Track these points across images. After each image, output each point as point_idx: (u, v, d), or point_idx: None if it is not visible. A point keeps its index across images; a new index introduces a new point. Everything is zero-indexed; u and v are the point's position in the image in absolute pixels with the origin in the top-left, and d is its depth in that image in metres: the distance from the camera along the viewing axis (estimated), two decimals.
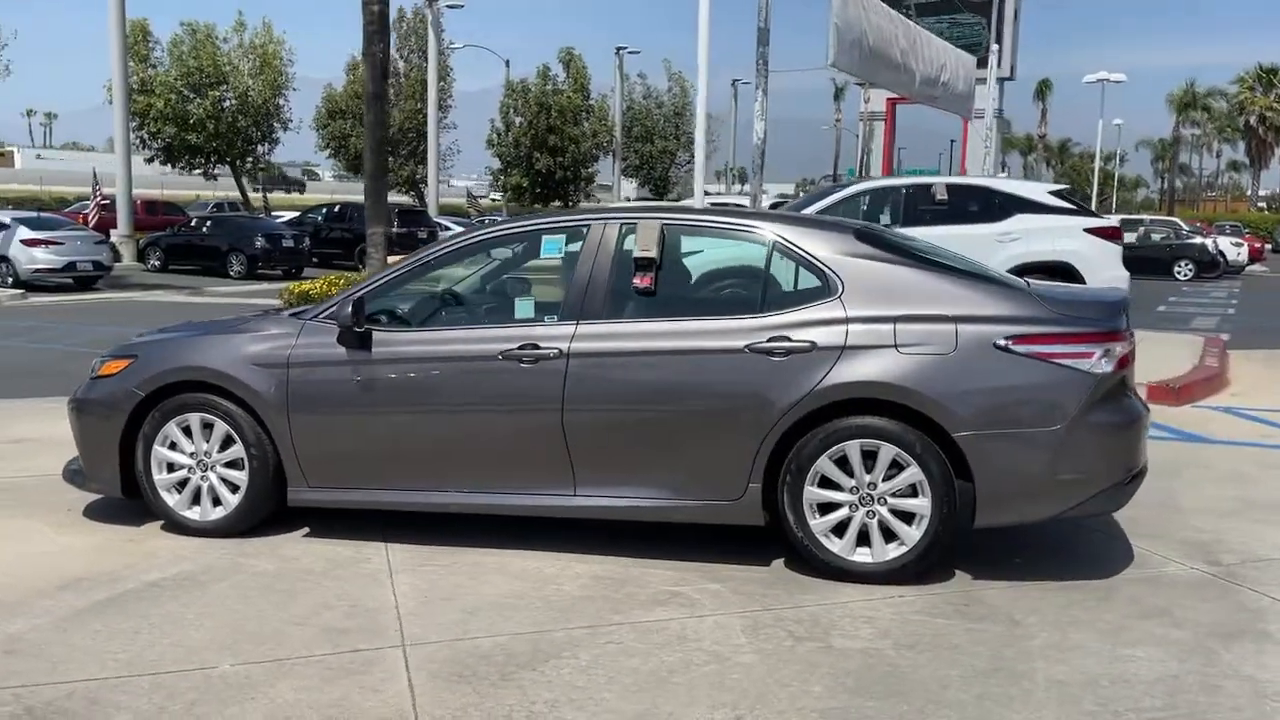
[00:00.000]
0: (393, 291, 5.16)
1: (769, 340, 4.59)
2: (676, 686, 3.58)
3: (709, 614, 4.23)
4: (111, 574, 4.61)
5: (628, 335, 4.77)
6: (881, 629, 4.08)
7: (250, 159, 35.27)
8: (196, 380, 5.12)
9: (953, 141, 45.71)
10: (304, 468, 5.05)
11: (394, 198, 41.17)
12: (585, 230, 4.99)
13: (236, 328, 5.34)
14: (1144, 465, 4.72)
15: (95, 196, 28.16)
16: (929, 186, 11.41)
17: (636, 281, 4.83)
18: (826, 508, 4.59)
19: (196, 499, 5.18)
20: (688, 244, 5.09)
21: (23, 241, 21.33)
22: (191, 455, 5.16)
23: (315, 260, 26.43)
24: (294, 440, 5.02)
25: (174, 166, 35.75)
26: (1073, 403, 4.43)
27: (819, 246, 4.77)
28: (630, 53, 47.08)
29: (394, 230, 24.54)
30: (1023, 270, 10.81)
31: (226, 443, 5.11)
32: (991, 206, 11.16)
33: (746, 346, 4.60)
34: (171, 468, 5.18)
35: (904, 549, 4.53)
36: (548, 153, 45.95)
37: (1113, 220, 13.60)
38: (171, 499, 5.19)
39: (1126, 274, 11.21)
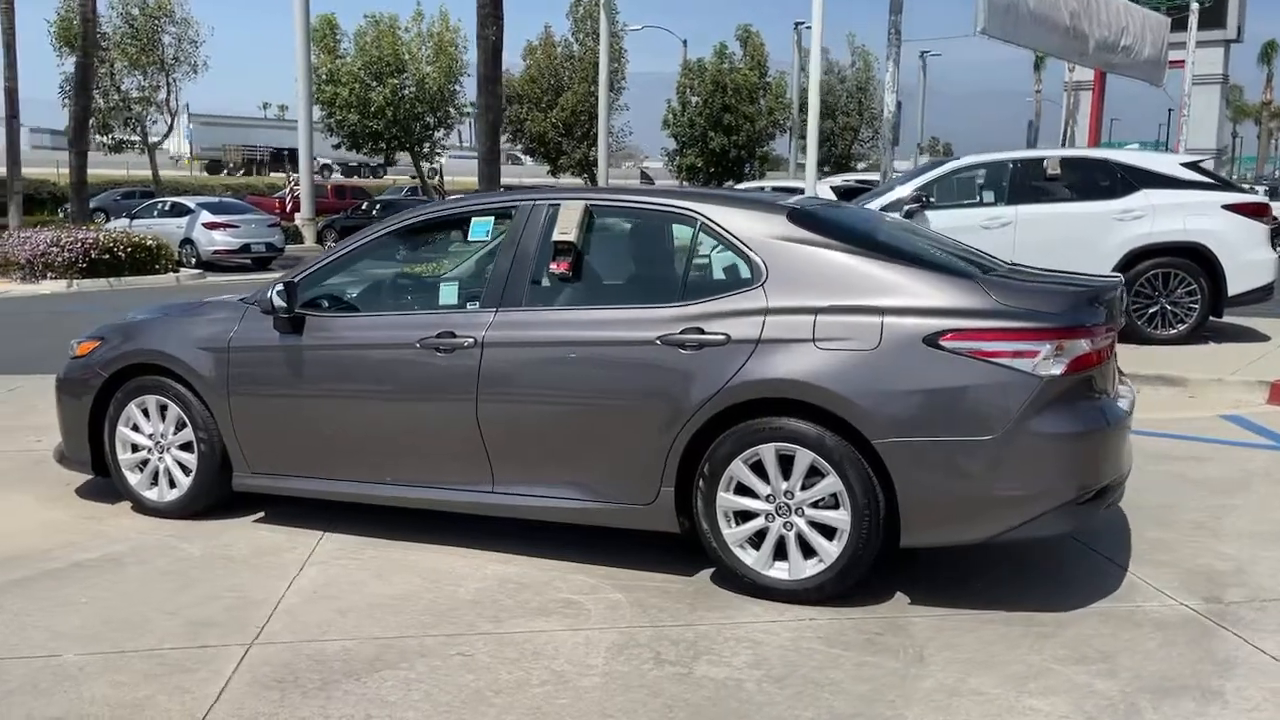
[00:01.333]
0: (330, 276, 5.05)
1: (682, 332, 4.20)
2: (488, 710, 3.30)
3: (588, 628, 3.91)
4: (46, 552, 4.73)
5: (543, 324, 4.49)
6: (760, 657, 3.66)
7: (427, 144, 36.48)
8: (151, 363, 5.19)
9: (1170, 111, 42.29)
10: (245, 453, 5.04)
11: (565, 180, 41.88)
12: (512, 212, 4.73)
13: (192, 312, 5.38)
14: (1111, 482, 4.05)
15: (290, 184, 29.96)
16: (1040, 161, 10.43)
17: (553, 267, 4.54)
18: (743, 516, 4.18)
19: (156, 479, 5.27)
20: (613, 226, 4.74)
21: (204, 225, 22.90)
22: (150, 437, 5.25)
23: None
24: (234, 425, 5.01)
25: (358, 152, 37.50)
26: (1011, 408, 3.84)
27: (745, 229, 4.33)
28: (807, 27, 45.87)
29: None
30: (1146, 253, 9.82)
31: (180, 425, 5.16)
32: (1111, 181, 10.11)
33: (658, 338, 4.23)
34: (135, 448, 5.29)
35: (822, 566, 4.06)
36: (722, 132, 45.49)
37: (1258, 195, 12.07)
38: (134, 478, 5.30)
39: (1274, 256, 9.95)
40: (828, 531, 4.05)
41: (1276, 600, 4.14)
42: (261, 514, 5.25)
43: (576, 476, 4.42)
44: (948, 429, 3.88)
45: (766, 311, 4.14)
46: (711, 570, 4.38)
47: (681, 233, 4.49)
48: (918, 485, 3.92)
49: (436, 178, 39.21)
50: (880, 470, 3.94)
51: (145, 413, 5.23)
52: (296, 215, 29.79)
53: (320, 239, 27.92)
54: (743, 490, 4.15)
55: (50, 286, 18.53)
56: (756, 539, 4.16)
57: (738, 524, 4.18)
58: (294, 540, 4.91)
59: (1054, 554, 4.68)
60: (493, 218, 4.78)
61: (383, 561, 4.62)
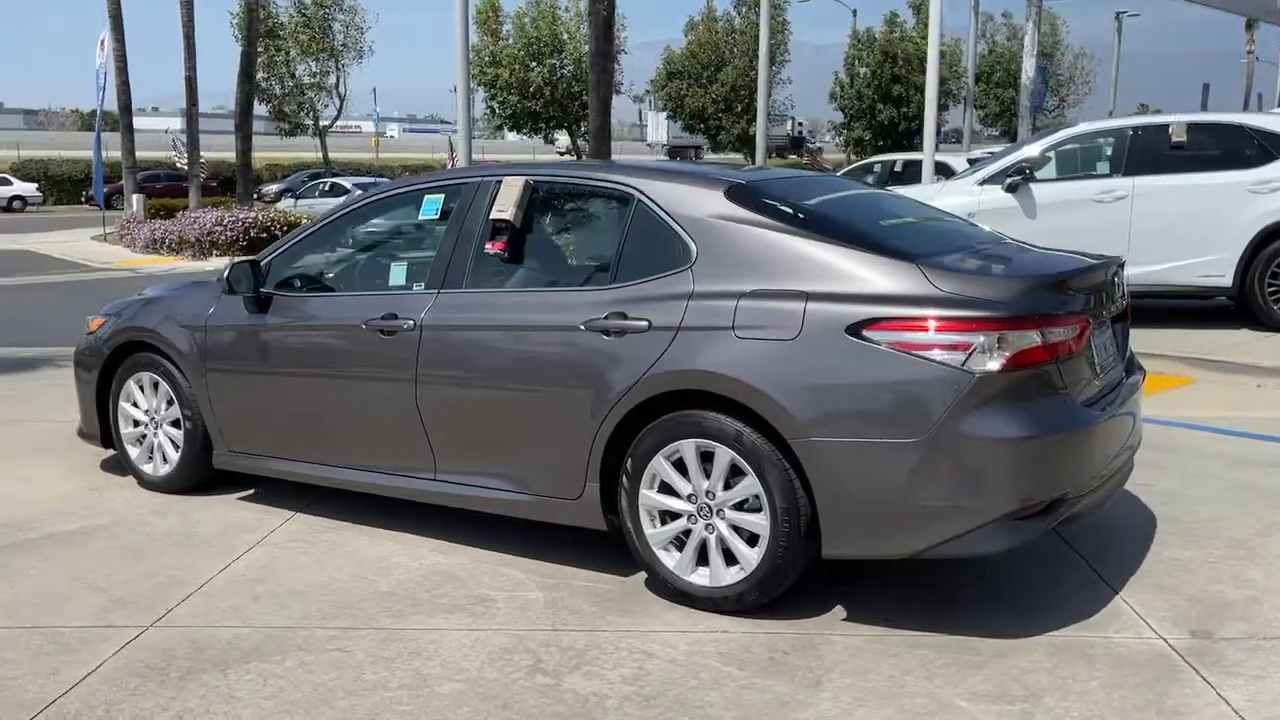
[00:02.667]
0: (300, 256, 5.01)
1: (606, 317, 3.92)
2: (327, 712, 3.14)
3: (486, 629, 3.71)
4: (30, 521, 4.88)
5: (478, 307, 4.30)
6: (642, 672, 3.37)
7: (584, 123, 36.77)
8: (145, 340, 5.30)
9: None
10: (221, 431, 5.08)
11: (728, 156, 41.40)
12: (460, 190, 4.54)
13: (185, 290, 5.46)
14: (1067, 494, 3.52)
15: (451, 160, 30.81)
16: (1164, 127, 9.43)
17: (489, 247, 4.33)
18: (667, 516, 3.88)
19: (152, 454, 5.40)
20: (554, 204, 4.47)
21: None
22: (146, 412, 5.37)
23: None
24: (210, 402, 5.06)
25: (519, 133, 38.22)
26: (937, 408, 3.39)
27: (680, 206, 4.00)
28: None
29: None
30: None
31: (171, 401, 5.26)
32: (1245, 149, 9.04)
33: (583, 323, 3.96)
34: (136, 423, 5.43)
35: (743, 575, 3.72)
36: (891, 103, 44.00)
37: None
38: (134, 452, 5.44)
39: None
40: (751, 537, 3.71)
41: (1278, 640, 3.53)
42: (251, 491, 5.30)
43: (508, 467, 4.22)
44: (869, 429, 3.46)
45: (691, 296, 3.81)
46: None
47: (619, 211, 4.19)
48: (837, 490, 3.52)
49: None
50: (802, 472, 3.57)
51: (142, 388, 5.36)
52: None
53: None
54: (666, 489, 3.85)
55: (216, 263, 19.67)
56: (680, 541, 3.86)
57: (662, 524, 3.88)
58: (262, 520, 4.92)
59: (1043, 570, 4.16)
60: (443, 195, 4.61)
61: (332, 547, 4.56)
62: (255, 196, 26.73)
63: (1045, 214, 9.35)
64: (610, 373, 3.88)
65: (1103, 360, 3.91)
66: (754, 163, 33.22)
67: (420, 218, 4.65)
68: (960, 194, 9.73)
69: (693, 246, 3.89)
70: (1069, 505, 3.53)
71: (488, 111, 35.68)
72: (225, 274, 4.87)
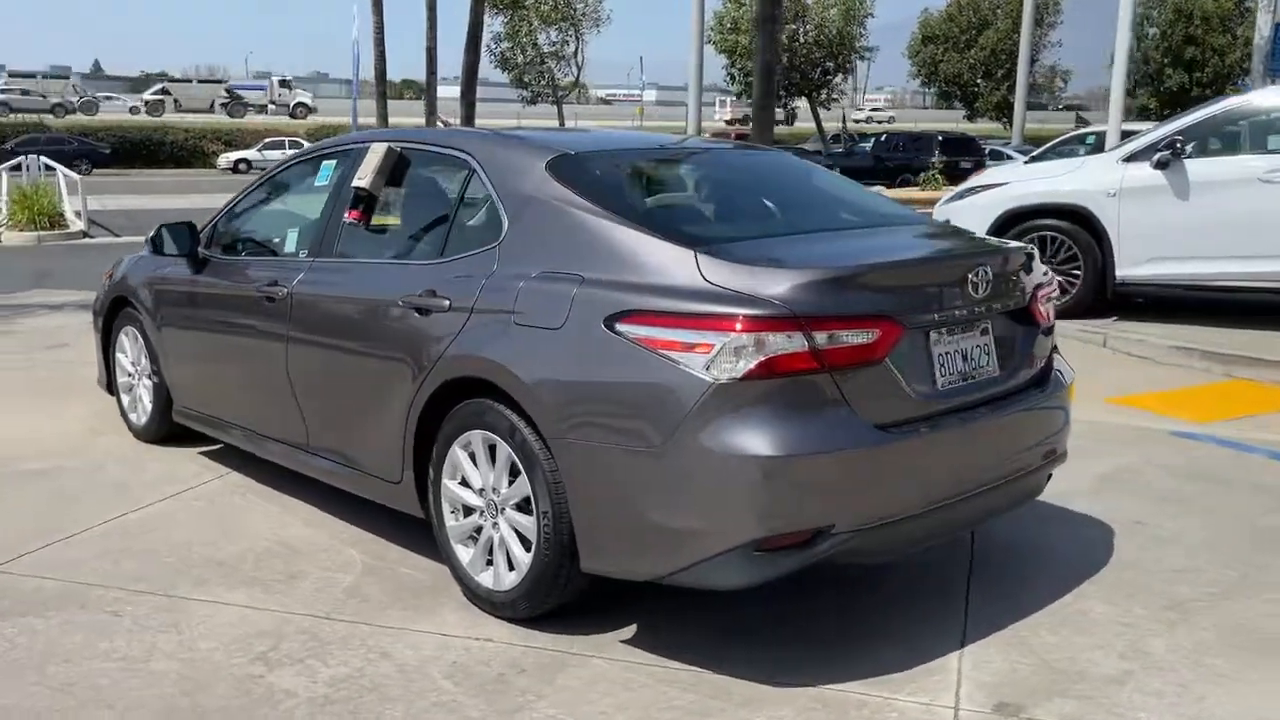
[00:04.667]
0: (236, 218, 5.08)
1: (420, 294, 3.70)
2: (30, 677, 3.14)
3: (263, 607, 3.60)
4: (11, 458, 5.25)
5: (333, 276, 4.19)
6: (355, 673, 3.14)
7: (825, 90, 35.66)
8: (126, 296, 5.58)
9: None
10: (170, 386, 5.27)
11: (981, 126, 38.88)
12: (347, 155, 4.42)
13: None
14: (829, 527, 2.95)
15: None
16: None
17: (347, 215, 4.19)
18: (467, 510, 3.63)
19: (136, 404, 5.70)
20: (410, 172, 4.22)
21: None
22: (132, 363, 5.67)
23: None
24: (161, 358, 5.26)
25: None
26: (675, 415, 2.94)
27: (504, 177, 3.69)
28: None
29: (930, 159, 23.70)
30: None
31: (145, 355, 5.52)
32: None
33: (401, 299, 3.76)
34: (126, 374, 5.74)
35: (517, 580, 3.42)
36: (1182, 68, 39.83)
37: None
38: (125, 400, 5.76)
39: None
40: (526, 542, 3.40)
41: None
42: (217, 447, 5.48)
43: (354, 446, 4.10)
44: (615, 435, 3.06)
45: (489, 276, 3.52)
46: None
47: (458, 180, 3.92)
48: (589, 500, 3.15)
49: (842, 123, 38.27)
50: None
51: (128, 341, 5.66)
52: None
53: None
54: (465, 481, 3.61)
55: None
56: (474, 538, 3.61)
57: (463, 517, 3.65)
58: (198, 474, 5.06)
59: (907, 607, 3.59)
60: (335, 161, 4.51)
61: (229, 509, 4.61)
62: None
63: (1199, 194, 8.08)
64: (418, 354, 3.66)
65: (960, 369, 3.28)
66: (1013, 136, 31.09)
67: (316, 183, 4.59)
68: (1102, 171, 8.60)
69: (505, 221, 3.59)
70: (838, 541, 2.97)
71: (726, 79, 35.36)
72: (150, 235, 5.03)
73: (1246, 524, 4.41)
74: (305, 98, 66.08)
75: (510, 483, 3.41)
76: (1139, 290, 8.90)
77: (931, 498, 3.15)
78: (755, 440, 2.87)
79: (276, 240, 4.84)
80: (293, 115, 60.63)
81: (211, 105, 64.09)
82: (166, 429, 5.46)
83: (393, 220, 4.27)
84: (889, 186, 25.90)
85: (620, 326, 3.06)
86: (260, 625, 3.50)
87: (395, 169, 4.17)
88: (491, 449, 3.46)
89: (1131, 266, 8.48)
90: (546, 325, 3.25)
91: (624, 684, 3.10)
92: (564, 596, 3.35)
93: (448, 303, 3.58)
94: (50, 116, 51.19)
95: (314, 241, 4.37)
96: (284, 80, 68.50)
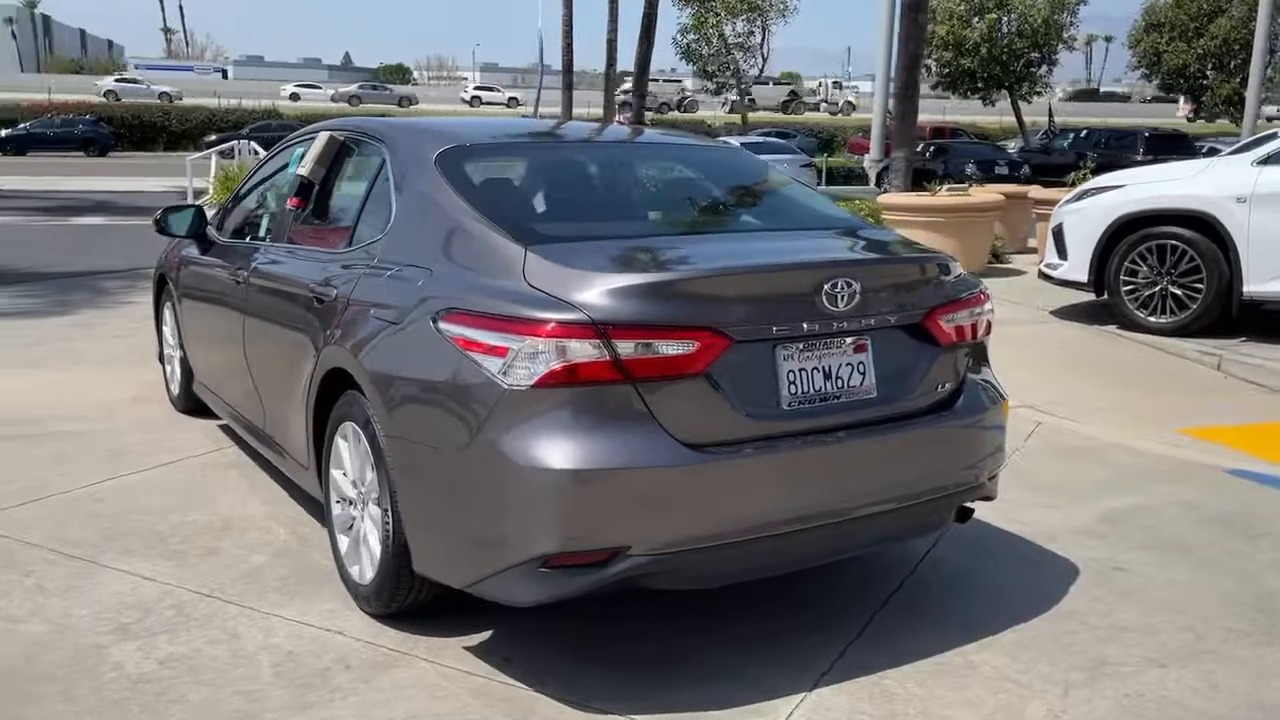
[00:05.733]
0: (237, 201, 5.25)
1: (322, 282, 3.72)
2: None
3: (157, 579, 3.69)
4: (53, 417, 5.64)
5: (274, 264, 4.27)
6: (190, 653, 3.18)
7: (1028, 83, 33.68)
8: (165, 274, 5.89)
9: None
10: (190, 361, 5.54)
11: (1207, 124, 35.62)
12: (309, 142, 4.48)
13: None
14: (625, 548, 2.74)
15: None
16: None
17: (289, 202, 4.26)
18: (349, 501, 3.63)
19: (170, 376, 6.02)
20: (343, 159, 4.20)
21: None
22: (171, 337, 5.99)
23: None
24: (182, 334, 5.53)
25: (954, 93, 35.96)
26: (473, 419, 2.82)
27: (402, 166, 3.65)
28: None
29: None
30: None
31: (177, 330, 5.82)
32: None
33: (311, 286, 3.78)
34: (168, 345, 6.08)
35: (373, 575, 3.38)
36: None
37: None
38: (167, 371, 6.10)
39: None
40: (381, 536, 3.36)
41: None
42: None
43: (279, 428, 4.18)
44: (431, 435, 2.98)
45: (368, 267, 3.50)
46: None
47: (374, 169, 3.90)
48: (413, 498, 3.08)
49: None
50: None
51: (168, 316, 5.99)
52: (865, 156, 29.75)
53: (879, 181, 27.63)
54: (346, 472, 3.59)
55: None
56: (351, 527, 3.60)
57: (346, 507, 3.64)
58: (198, 445, 5.29)
59: (777, 639, 3.32)
60: (300, 148, 4.59)
61: (204, 483, 4.75)
62: None
63: None
64: (315, 343, 3.68)
65: (818, 388, 3.00)
66: (1243, 132, 28.58)
67: (289, 169, 4.69)
68: (1232, 174, 7.74)
69: (393, 212, 3.56)
70: (637, 564, 2.76)
71: (922, 70, 33.99)
72: (154, 216, 5.28)
73: (1245, 584, 3.85)
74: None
75: (370, 476, 3.38)
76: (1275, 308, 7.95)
77: (755, 526, 2.89)
78: (547, 451, 2.72)
79: (254, 225, 4.99)
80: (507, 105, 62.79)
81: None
82: (194, 401, 5.74)
83: (322, 208, 4.31)
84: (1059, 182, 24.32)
85: (442, 324, 2.96)
86: (144, 596, 3.61)
87: (334, 157, 4.21)
88: (359, 441, 3.44)
89: (1262, 281, 7.59)
90: (393, 319, 3.19)
91: (432, 691, 3.01)
92: (411, 596, 3.28)
93: (334, 292, 3.58)
94: (396, 107, 55.72)
95: (269, 227, 4.49)
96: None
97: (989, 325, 3.50)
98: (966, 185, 14.41)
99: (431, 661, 3.18)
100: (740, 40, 31.98)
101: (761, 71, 34.97)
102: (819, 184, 28.46)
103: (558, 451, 2.71)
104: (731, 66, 32.44)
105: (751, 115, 38.28)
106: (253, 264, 4.40)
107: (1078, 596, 3.70)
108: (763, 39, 32.24)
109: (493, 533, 2.82)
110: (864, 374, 3.09)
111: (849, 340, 3.07)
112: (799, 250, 3.26)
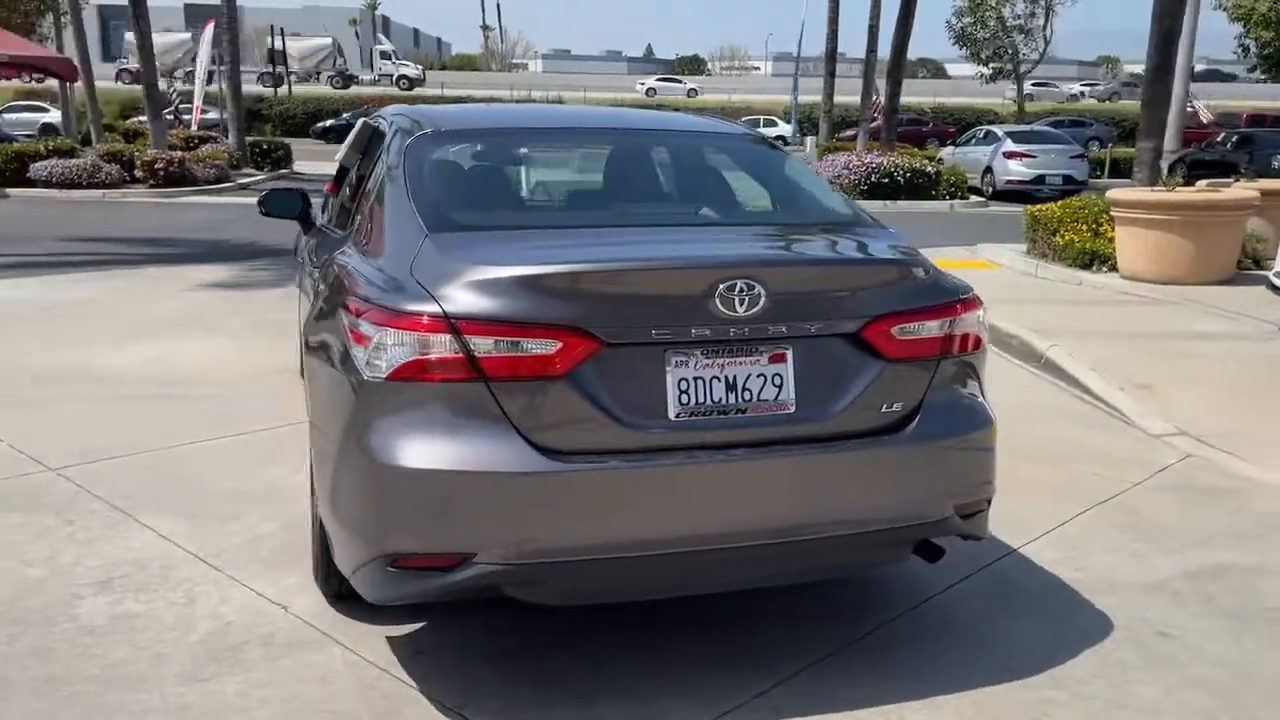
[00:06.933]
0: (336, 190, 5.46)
1: (321, 265, 3.79)
2: None
3: (165, 538, 3.92)
4: (194, 383, 6.17)
5: (314, 248, 4.38)
6: (113, 603, 3.37)
7: None
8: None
9: None
10: None
11: None
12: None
13: None
14: (471, 556, 2.56)
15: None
16: None
17: (325, 187, 4.35)
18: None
19: None
20: (370, 146, 4.20)
21: (1004, 154, 22.60)
22: None
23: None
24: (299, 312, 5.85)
25: (1274, 77, 31.83)
26: (344, 410, 2.76)
27: (390, 153, 3.57)
28: None
29: None
30: None
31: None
32: None
33: (312, 270, 3.87)
34: None
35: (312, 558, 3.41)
36: None
37: None
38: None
39: None
40: None
41: None
42: None
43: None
44: (325, 420, 2.98)
45: (342, 250, 3.50)
46: None
47: (376, 154, 3.88)
48: (318, 484, 3.08)
49: None
50: None
51: None
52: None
53: (1170, 173, 25.09)
54: None
55: None
56: None
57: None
58: (302, 417, 5.57)
59: (705, 666, 3.05)
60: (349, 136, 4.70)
61: (275, 452, 4.97)
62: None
63: None
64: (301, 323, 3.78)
65: (717, 399, 2.70)
66: None
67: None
68: None
69: (372, 196, 3.56)
70: (483, 573, 2.59)
71: (1238, 50, 30.46)
72: (259, 198, 5.56)
73: None
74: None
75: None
76: None
77: (630, 544, 2.65)
78: (395, 447, 2.62)
79: (325, 209, 5.17)
80: None
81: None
82: None
83: (348, 193, 4.39)
84: None
85: (341, 310, 2.93)
86: (145, 554, 3.83)
87: (365, 144, 4.27)
88: None
89: None
90: (324, 305, 3.20)
91: (323, 678, 3.00)
92: (340, 580, 3.27)
93: (319, 273, 3.65)
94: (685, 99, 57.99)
95: (331, 212, 4.63)
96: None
97: (975, 340, 3.04)
98: (1232, 180, 12.74)
99: (346, 648, 3.17)
100: (1020, 23, 29.97)
101: (1042, 56, 32.50)
102: (1102, 176, 26.18)
103: (405, 448, 2.61)
104: (1010, 51, 30.47)
105: (1039, 103, 35.84)
106: (306, 246, 4.57)
107: (1087, 661, 3.16)
108: (1045, 20, 30.02)
109: (355, 525, 2.76)
110: (780, 387, 2.76)
111: (763, 349, 2.75)
112: (701, 248, 2.96)
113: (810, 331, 2.77)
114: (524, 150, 3.94)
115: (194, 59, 30.68)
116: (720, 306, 2.67)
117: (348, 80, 55.87)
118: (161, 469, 4.74)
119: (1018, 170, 22.15)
